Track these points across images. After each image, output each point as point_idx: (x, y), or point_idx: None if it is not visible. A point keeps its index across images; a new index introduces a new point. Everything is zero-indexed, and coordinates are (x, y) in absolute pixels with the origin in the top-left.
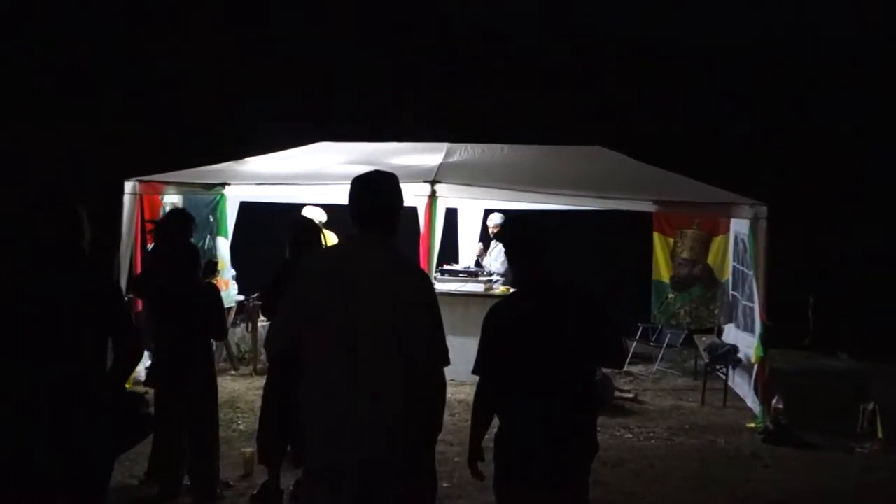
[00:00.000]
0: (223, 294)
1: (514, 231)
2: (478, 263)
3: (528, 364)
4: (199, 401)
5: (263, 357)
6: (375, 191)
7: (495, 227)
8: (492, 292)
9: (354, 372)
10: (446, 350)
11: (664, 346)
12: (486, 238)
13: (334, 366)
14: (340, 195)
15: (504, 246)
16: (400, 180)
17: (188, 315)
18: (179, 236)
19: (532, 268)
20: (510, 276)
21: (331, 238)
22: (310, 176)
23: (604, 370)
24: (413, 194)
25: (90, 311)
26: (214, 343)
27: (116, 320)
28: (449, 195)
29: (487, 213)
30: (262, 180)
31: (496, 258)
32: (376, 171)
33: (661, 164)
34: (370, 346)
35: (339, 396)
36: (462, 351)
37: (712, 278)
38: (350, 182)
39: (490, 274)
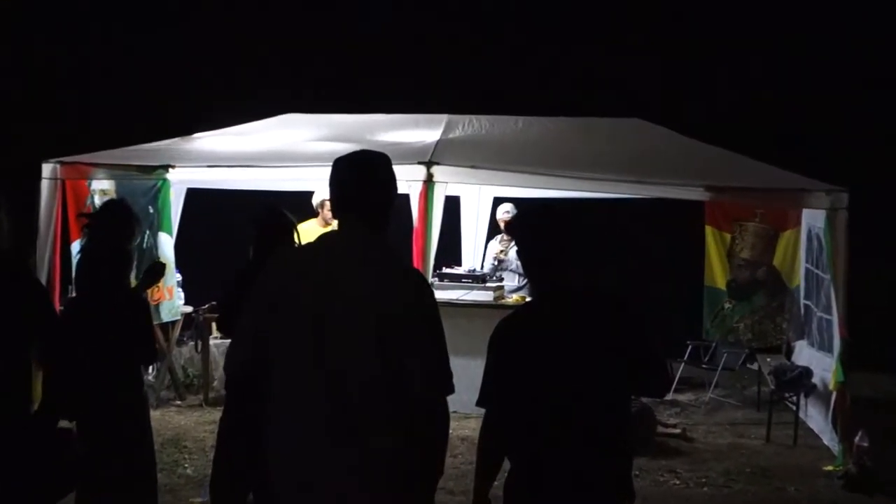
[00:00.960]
0: (166, 305)
1: (529, 223)
2: (498, 265)
3: (547, 393)
4: (128, 449)
5: (217, 384)
6: (364, 175)
7: (505, 217)
8: (504, 302)
9: (335, 406)
10: (450, 376)
11: (719, 368)
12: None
13: (309, 398)
14: (316, 180)
15: (516, 243)
16: None
17: (106, 336)
18: (118, 238)
19: (551, 271)
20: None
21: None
22: (276, 156)
23: (643, 400)
24: (404, 179)
25: (12, 322)
26: (151, 369)
27: (46, 331)
28: (449, 180)
29: (498, 202)
30: (215, 161)
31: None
32: (365, 152)
33: (713, 140)
34: (355, 372)
35: (315, 437)
36: (466, 376)
37: (779, 284)
38: (331, 164)
39: (499, 279)
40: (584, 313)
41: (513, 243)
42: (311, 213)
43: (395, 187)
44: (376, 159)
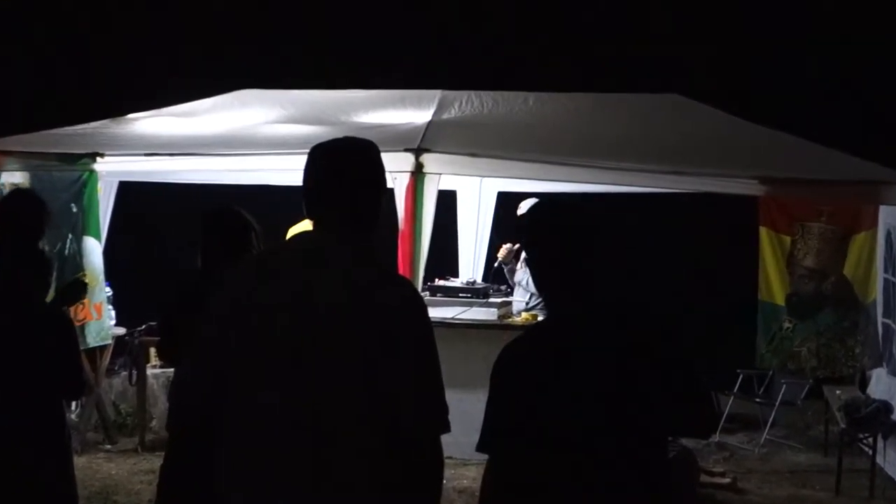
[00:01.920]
0: (93, 326)
1: (543, 220)
2: (498, 273)
3: (565, 436)
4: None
5: (157, 424)
6: (349, 168)
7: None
8: (511, 321)
9: (311, 449)
10: (445, 411)
11: (777, 403)
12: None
13: (279, 440)
14: (280, 170)
15: (525, 246)
16: None
17: (24, 364)
18: (22, 236)
19: (571, 282)
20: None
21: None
22: (230, 141)
23: (683, 442)
24: (388, 169)
25: None
26: (75, 405)
27: None
28: (443, 171)
29: (503, 198)
30: (154, 148)
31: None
32: (349, 139)
33: (768, 121)
34: (336, 408)
35: (286, 487)
36: (464, 414)
37: (851, 298)
38: (308, 153)
39: (505, 291)
40: (612, 336)
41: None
42: (282, 211)
43: (384, 182)
44: (364, 148)
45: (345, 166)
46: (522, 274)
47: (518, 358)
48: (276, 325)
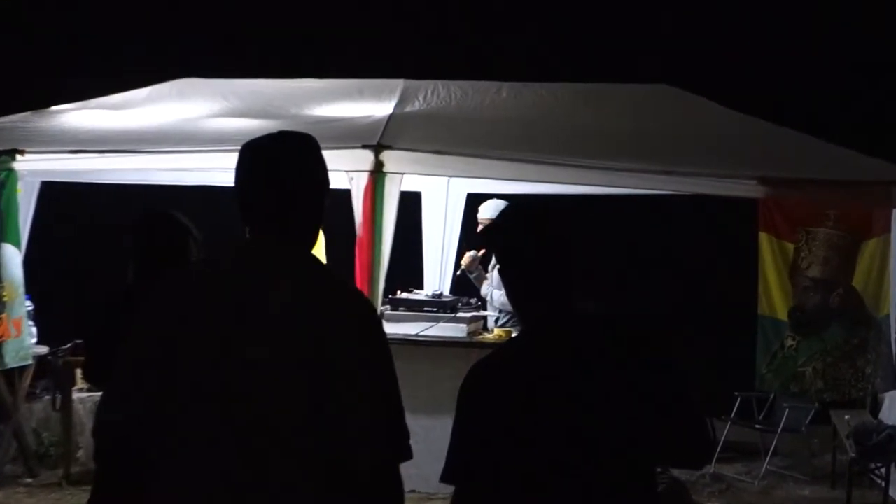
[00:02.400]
0: (11, 345)
1: (515, 223)
2: (463, 280)
3: (540, 466)
4: None
5: (83, 455)
6: (281, 167)
7: (483, 222)
8: (482, 339)
9: (251, 482)
10: (406, 436)
11: (779, 429)
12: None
13: (210, 477)
14: (223, 169)
15: (496, 257)
16: (322, 145)
17: None
18: None
19: (547, 292)
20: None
21: None
22: (166, 137)
23: (673, 473)
24: (343, 169)
25: None
26: None
27: None
28: (406, 170)
29: (474, 201)
30: (81, 145)
31: (499, 283)
32: (283, 134)
33: (767, 115)
34: (278, 437)
35: None
36: (429, 442)
37: (861, 312)
38: (238, 150)
39: (476, 305)
40: (593, 352)
41: (492, 264)
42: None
43: (326, 182)
44: (301, 144)
45: (279, 166)
46: (487, 287)
47: (488, 378)
48: (210, 347)
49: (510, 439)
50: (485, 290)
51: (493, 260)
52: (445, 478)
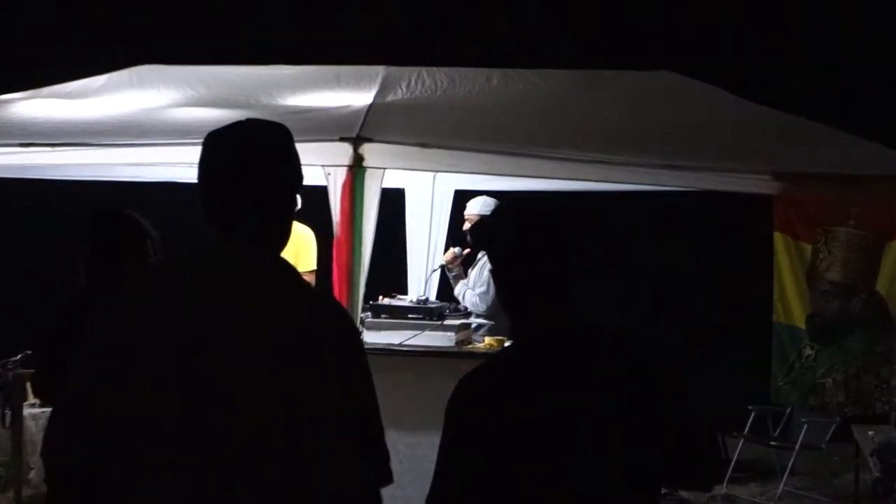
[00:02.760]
0: None
1: (509, 221)
2: (442, 278)
3: (534, 489)
4: None
5: (35, 476)
6: (249, 159)
7: (470, 219)
8: (472, 349)
9: None
10: (386, 458)
11: (797, 446)
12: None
13: (175, 499)
14: (189, 164)
15: (489, 257)
16: (296, 137)
17: None
18: None
19: (543, 298)
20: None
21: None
22: (125, 128)
23: (681, 495)
24: (319, 164)
25: None
26: None
27: None
28: (388, 165)
29: (462, 198)
30: (31, 137)
31: (476, 283)
32: (251, 123)
33: (781, 103)
34: (244, 460)
35: None
36: (415, 461)
37: (886, 319)
38: (202, 142)
39: (465, 312)
40: (593, 365)
41: (476, 262)
42: (190, 213)
43: (299, 177)
44: (269, 135)
45: (246, 159)
46: (462, 287)
47: (478, 393)
48: (170, 356)
49: (502, 460)
50: (459, 289)
51: (476, 260)
52: (431, 502)
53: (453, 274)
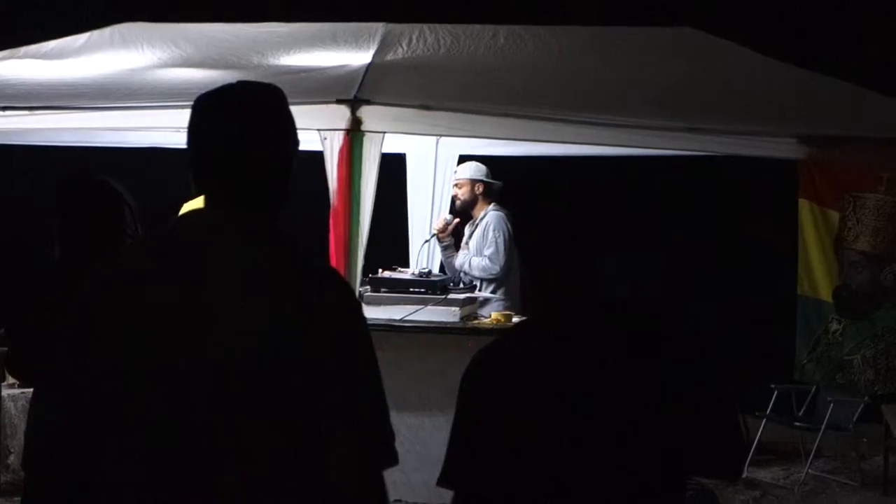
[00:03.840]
0: None
1: (536, 190)
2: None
3: (552, 469)
4: None
5: (14, 460)
6: (241, 123)
7: (460, 184)
8: (478, 324)
9: (208, 499)
10: (390, 438)
11: (822, 427)
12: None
13: (166, 488)
14: (174, 129)
15: (519, 232)
16: (290, 100)
17: None
18: None
19: (568, 271)
20: (515, 289)
21: None
22: (106, 91)
23: (702, 481)
24: (314, 127)
25: None
26: None
27: None
28: (388, 129)
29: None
30: (7, 100)
31: (481, 247)
32: (243, 85)
33: (809, 62)
34: (238, 444)
35: None
36: (419, 444)
37: None
38: (191, 106)
39: (470, 285)
40: (618, 343)
41: (471, 233)
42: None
43: (295, 141)
44: (263, 97)
45: (238, 122)
46: (463, 257)
47: (496, 367)
48: (158, 335)
49: (520, 438)
50: (460, 260)
51: (474, 226)
52: (443, 481)
53: (444, 244)
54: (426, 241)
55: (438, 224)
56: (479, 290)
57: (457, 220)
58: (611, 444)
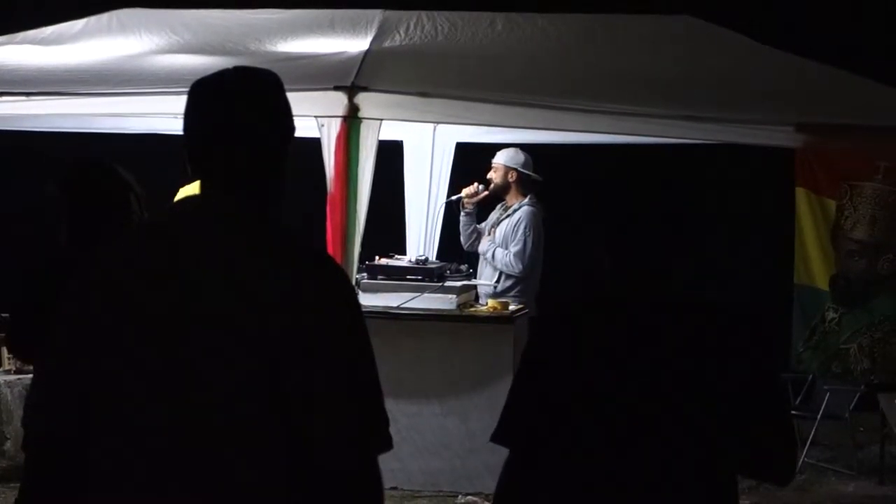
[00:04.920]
0: None
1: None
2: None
3: (608, 439)
4: None
5: (12, 446)
6: (231, 109)
7: (495, 168)
8: (474, 312)
9: (202, 485)
10: (384, 421)
11: (818, 416)
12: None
13: (158, 479)
14: (173, 115)
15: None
16: (287, 86)
17: None
18: None
19: (651, 262)
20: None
21: None
22: (105, 76)
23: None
24: (312, 114)
25: None
26: None
27: None
28: (386, 116)
29: (463, 150)
30: (5, 86)
31: (509, 241)
32: (240, 70)
33: (806, 50)
34: (232, 429)
35: None
36: (415, 431)
37: None
38: (187, 91)
39: (467, 273)
40: (686, 332)
41: (502, 217)
42: (174, 167)
43: (290, 128)
44: (259, 83)
45: (232, 108)
46: (488, 245)
47: (565, 330)
48: (154, 320)
49: (577, 404)
50: (485, 246)
51: (504, 215)
52: (497, 437)
53: (466, 211)
54: (448, 200)
55: (470, 189)
56: (498, 282)
57: (486, 192)
58: (663, 427)
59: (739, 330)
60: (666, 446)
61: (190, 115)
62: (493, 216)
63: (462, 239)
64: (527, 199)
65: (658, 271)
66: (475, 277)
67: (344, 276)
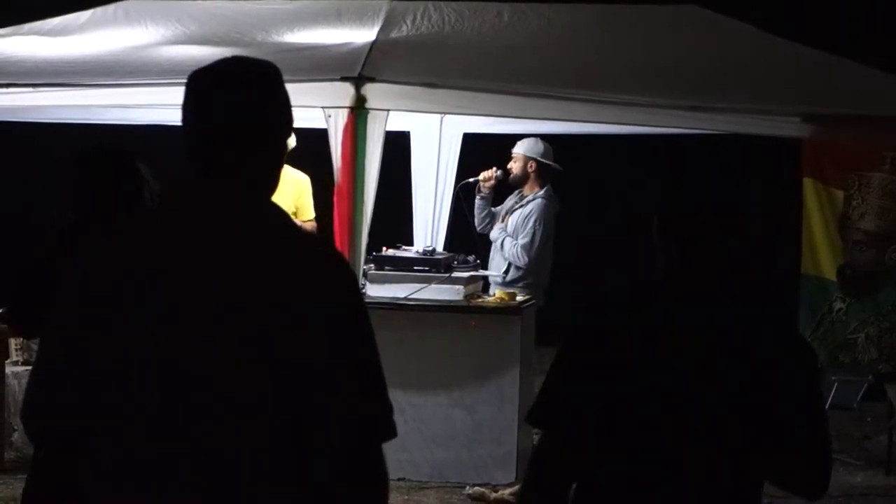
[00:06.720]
0: None
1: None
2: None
3: (643, 428)
4: None
5: (19, 437)
6: (228, 100)
7: (515, 158)
8: (481, 303)
9: (202, 479)
10: (388, 409)
11: (826, 407)
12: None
13: (160, 465)
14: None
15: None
16: (294, 77)
17: None
18: None
19: (705, 254)
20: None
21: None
22: (111, 68)
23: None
24: (318, 105)
25: None
26: None
27: None
28: (392, 106)
29: (470, 141)
30: (10, 77)
31: (518, 231)
32: (237, 60)
33: (814, 40)
34: (232, 422)
35: None
36: (420, 422)
37: None
38: (186, 81)
39: (474, 264)
40: (730, 330)
41: (515, 207)
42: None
43: (288, 119)
44: (256, 73)
45: (231, 97)
46: (499, 232)
47: (608, 316)
48: (150, 308)
49: (616, 391)
50: (496, 233)
51: (518, 204)
52: (531, 419)
53: (482, 195)
54: (465, 182)
55: (487, 173)
56: (507, 272)
57: (501, 178)
58: (699, 422)
59: (791, 341)
60: (700, 444)
61: (188, 105)
62: (509, 202)
63: (475, 221)
64: (542, 191)
65: (710, 263)
66: (483, 268)
67: (344, 265)
